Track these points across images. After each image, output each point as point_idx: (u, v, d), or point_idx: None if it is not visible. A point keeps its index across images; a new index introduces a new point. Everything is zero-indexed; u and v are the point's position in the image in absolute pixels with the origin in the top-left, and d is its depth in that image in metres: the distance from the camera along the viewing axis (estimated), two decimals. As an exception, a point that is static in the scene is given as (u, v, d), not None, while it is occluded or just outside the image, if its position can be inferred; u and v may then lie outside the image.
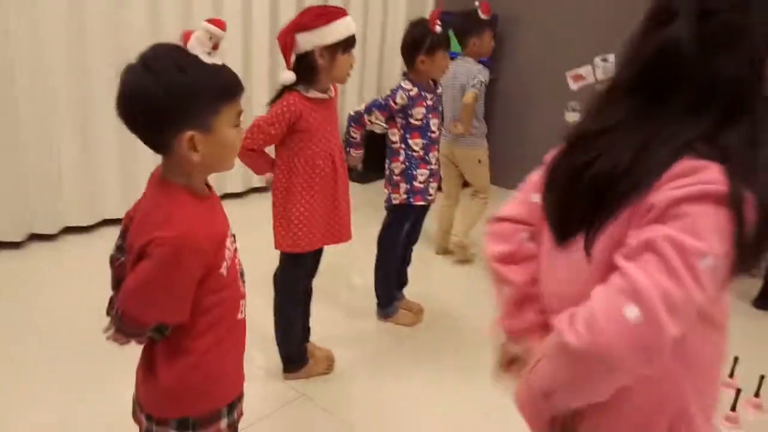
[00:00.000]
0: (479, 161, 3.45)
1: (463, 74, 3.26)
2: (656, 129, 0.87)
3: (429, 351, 2.70)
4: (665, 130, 0.86)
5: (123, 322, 1.17)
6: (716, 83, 0.85)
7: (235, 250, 1.29)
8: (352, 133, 2.64)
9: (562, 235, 0.96)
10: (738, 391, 2.31)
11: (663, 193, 0.81)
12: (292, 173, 2.13)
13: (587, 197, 0.90)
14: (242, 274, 1.33)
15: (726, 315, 0.96)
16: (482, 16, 3.27)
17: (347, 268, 3.13)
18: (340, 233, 2.29)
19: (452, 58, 2.86)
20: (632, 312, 0.76)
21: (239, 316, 1.31)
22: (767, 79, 0.85)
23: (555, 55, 4.47)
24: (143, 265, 1.12)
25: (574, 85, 4.42)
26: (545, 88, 4.47)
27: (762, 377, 2.41)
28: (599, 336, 0.77)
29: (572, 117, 4.45)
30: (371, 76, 4.86)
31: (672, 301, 0.76)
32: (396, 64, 4.83)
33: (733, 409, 2.29)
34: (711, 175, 0.80)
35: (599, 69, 4.28)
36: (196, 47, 1.10)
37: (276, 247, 2.24)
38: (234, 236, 1.30)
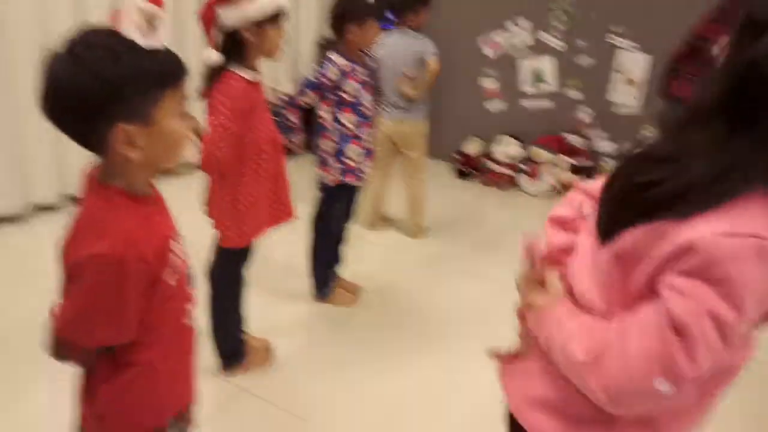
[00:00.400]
0: (423, 135, 3.44)
1: (409, 47, 3.22)
2: (731, 161, 0.80)
3: (370, 332, 2.65)
4: (741, 161, 0.80)
5: (61, 349, 1.03)
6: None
7: (182, 251, 1.16)
8: (291, 118, 2.50)
9: (605, 234, 0.93)
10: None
11: (708, 236, 0.77)
12: (241, 162, 1.96)
13: (638, 210, 0.86)
14: (191, 277, 1.20)
15: (743, 357, 0.94)
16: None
17: (278, 250, 3.00)
18: (284, 213, 2.16)
19: (385, 29, 2.76)
20: (663, 386, 0.80)
21: (186, 321, 1.20)
22: None
23: (470, 22, 4.45)
24: (77, 287, 0.98)
25: (489, 52, 4.45)
26: (460, 56, 4.45)
27: None
28: (622, 393, 0.84)
29: (487, 83, 4.49)
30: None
31: (702, 374, 0.80)
32: (308, 37, 4.66)
33: None
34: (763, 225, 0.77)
35: (511, 33, 4.31)
36: (130, 29, 0.94)
37: (223, 244, 2.08)
38: (179, 237, 1.16)
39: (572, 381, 0.92)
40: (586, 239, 1.01)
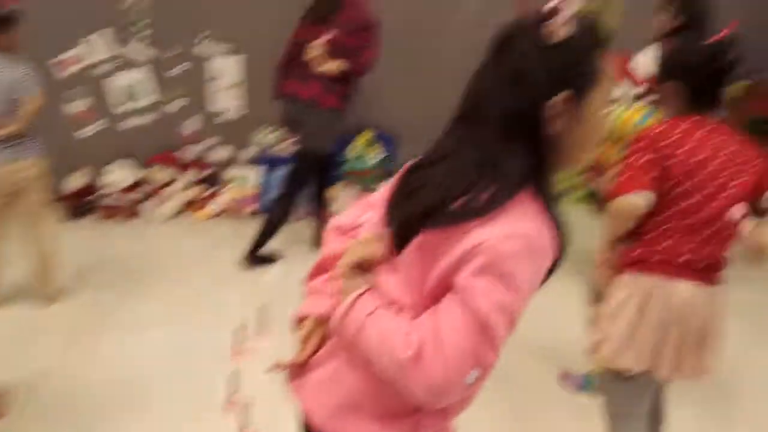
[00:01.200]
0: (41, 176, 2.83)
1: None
2: (506, 169, 0.91)
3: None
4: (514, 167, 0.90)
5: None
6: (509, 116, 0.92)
7: None
8: None
9: (399, 241, 0.97)
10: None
11: (493, 239, 0.87)
12: None
13: (417, 218, 0.93)
14: None
15: None
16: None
17: None
18: None
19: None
20: (473, 377, 0.88)
21: None
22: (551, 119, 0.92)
23: (38, 44, 3.83)
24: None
25: (67, 73, 3.93)
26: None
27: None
28: (442, 389, 0.88)
29: (74, 108, 3.97)
30: None
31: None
32: None
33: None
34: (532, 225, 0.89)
35: (89, 51, 3.89)
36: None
37: None
38: None
39: (383, 376, 0.93)
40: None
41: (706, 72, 1.61)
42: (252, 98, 4.11)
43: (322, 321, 1.10)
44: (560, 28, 0.90)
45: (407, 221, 0.95)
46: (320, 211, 3.66)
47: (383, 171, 4.16)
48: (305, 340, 1.10)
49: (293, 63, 3.24)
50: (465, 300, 0.86)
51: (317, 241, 3.68)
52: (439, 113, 4.60)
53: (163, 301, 3.03)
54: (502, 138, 0.91)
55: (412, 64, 4.05)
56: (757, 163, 1.63)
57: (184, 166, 4.09)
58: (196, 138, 4.17)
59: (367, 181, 4.14)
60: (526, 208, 0.91)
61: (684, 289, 1.64)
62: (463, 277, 0.87)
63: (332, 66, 3.09)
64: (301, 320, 1.15)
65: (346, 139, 4.11)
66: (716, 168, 1.60)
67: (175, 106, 4.09)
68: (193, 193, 4.06)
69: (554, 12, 0.91)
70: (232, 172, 4.11)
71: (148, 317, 2.88)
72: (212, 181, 4.15)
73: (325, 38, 3.09)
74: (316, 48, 3.08)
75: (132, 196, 3.99)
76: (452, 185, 0.91)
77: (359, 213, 1.18)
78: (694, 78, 1.62)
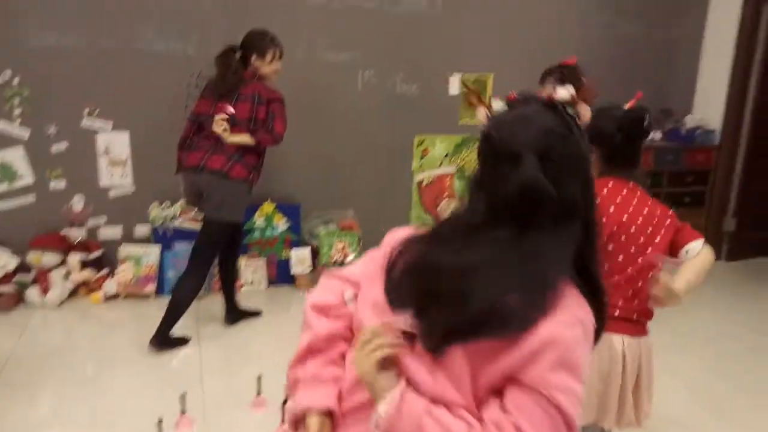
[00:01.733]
0: None
1: None
2: (531, 260, 0.93)
3: None
4: (540, 261, 0.94)
5: None
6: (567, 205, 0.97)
7: None
8: None
9: (435, 347, 0.96)
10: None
11: (560, 330, 0.91)
12: None
13: (468, 326, 0.92)
14: None
15: None
16: None
17: None
18: None
19: None
20: None
21: None
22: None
23: None
24: None
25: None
26: None
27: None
28: None
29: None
30: None
31: None
32: None
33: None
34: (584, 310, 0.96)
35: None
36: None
37: None
38: None
39: None
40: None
41: (622, 137, 1.80)
42: (140, 174, 3.94)
43: (330, 414, 1.07)
44: (582, 113, 1.00)
45: (455, 329, 0.94)
46: (230, 284, 3.55)
47: (289, 239, 4.13)
48: None
49: (197, 136, 3.20)
50: (544, 397, 0.90)
51: (231, 318, 3.55)
52: (338, 181, 4.81)
53: (56, 400, 2.75)
54: (552, 228, 0.96)
55: (310, 134, 4.11)
56: (671, 221, 1.84)
57: (72, 248, 3.79)
58: (83, 217, 3.90)
59: (273, 250, 4.08)
60: (572, 291, 0.97)
61: (619, 341, 1.79)
62: (537, 374, 0.90)
63: (240, 138, 3.09)
64: (302, 415, 1.10)
65: (251, 210, 4.05)
66: (638, 228, 1.78)
67: (58, 184, 3.81)
68: (83, 275, 3.77)
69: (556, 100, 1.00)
70: (125, 251, 3.87)
71: (40, 422, 2.59)
72: (104, 261, 3.88)
73: (229, 111, 3.09)
74: (218, 122, 3.08)
75: (11, 284, 3.62)
76: (501, 288, 0.93)
77: (338, 291, 1.18)
78: (612, 143, 1.81)
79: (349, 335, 1.15)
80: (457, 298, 0.94)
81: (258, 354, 3.25)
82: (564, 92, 0.99)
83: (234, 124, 3.11)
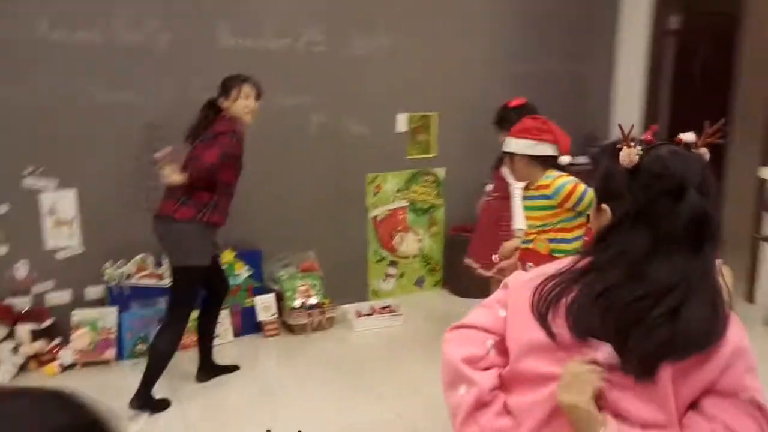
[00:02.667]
0: None
1: None
2: (706, 280, 1.04)
3: None
4: (711, 279, 1.04)
5: None
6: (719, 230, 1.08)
7: None
8: None
9: (644, 372, 1.03)
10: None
11: (740, 340, 1.04)
12: None
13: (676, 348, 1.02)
14: None
15: None
16: None
17: None
18: None
19: None
20: None
21: None
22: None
23: None
24: None
25: None
26: None
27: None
28: None
29: None
30: None
31: None
32: None
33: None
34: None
35: None
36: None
37: None
38: None
39: None
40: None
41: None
42: (89, 232, 3.73)
43: None
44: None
45: (668, 350, 1.02)
46: (207, 340, 3.40)
47: (252, 287, 4.03)
48: None
49: (168, 185, 3.07)
50: (745, 401, 1.00)
51: (205, 375, 3.40)
52: (296, 223, 4.80)
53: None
54: (711, 251, 1.08)
55: (266, 178, 4.07)
56: None
57: (19, 318, 3.49)
58: (28, 283, 3.61)
59: (236, 299, 3.96)
60: None
61: None
62: (734, 381, 1.02)
63: (175, 177, 2.95)
64: None
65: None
66: None
67: (-1, 250, 3.53)
68: (35, 347, 3.47)
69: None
70: (78, 316, 3.62)
71: None
72: (54, 330, 3.60)
73: (165, 150, 3.02)
74: (159, 166, 3.00)
75: (-47, 366, 3.27)
76: (699, 307, 1.03)
77: (479, 341, 1.20)
78: None
79: (500, 384, 1.18)
80: (665, 320, 1.02)
81: (242, 409, 3.14)
82: (690, 135, 1.11)
83: (185, 165, 3.03)
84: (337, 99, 4.28)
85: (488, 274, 3.43)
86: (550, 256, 2.57)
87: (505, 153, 2.76)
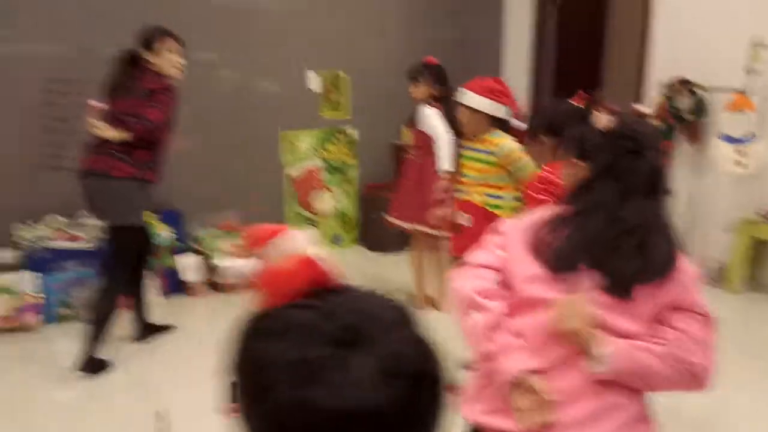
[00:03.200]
0: None
1: None
2: (664, 220, 1.40)
3: None
4: (667, 221, 1.39)
5: None
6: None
7: None
8: None
9: (624, 289, 1.31)
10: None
11: (690, 265, 1.38)
12: None
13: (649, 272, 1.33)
14: None
15: None
16: None
17: None
18: None
19: None
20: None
21: None
22: None
23: None
24: None
25: None
26: None
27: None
28: (712, 367, 1.35)
29: None
30: None
31: None
32: None
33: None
34: None
35: None
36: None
37: None
38: None
39: (662, 384, 1.34)
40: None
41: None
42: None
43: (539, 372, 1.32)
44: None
45: (642, 275, 1.32)
46: (140, 298, 3.38)
47: (173, 248, 4.01)
48: (544, 397, 1.29)
49: (98, 140, 2.98)
50: (696, 317, 1.33)
51: (142, 334, 3.40)
52: (214, 183, 4.84)
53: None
54: (663, 199, 1.39)
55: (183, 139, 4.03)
56: None
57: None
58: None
59: (161, 261, 3.93)
60: None
61: None
62: (690, 300, 1.34)
63: (112, 133, 2.91)
64: (517, 379, 1.31)
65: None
66: None
67: None
68: (-52, 317, 3.27)
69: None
70: (-6, 283, 3.44)
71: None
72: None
73: (95, 106, 2.95)
74: (89, 121, 2.93)
75: None
76: (663, 241, 1.35)
77: (489, 277, 1.44)
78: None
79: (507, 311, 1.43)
80: (637, 251, 1.32)
81: (181, 365, 3.21)
82: (644, 107, 1.47)
83: (118, 121, 2.97)
84: (247, 55, 4.30)
85: (412, 228, 3.70)
86: (485, 210, 2.88)
87: (459, 104, 2.99)
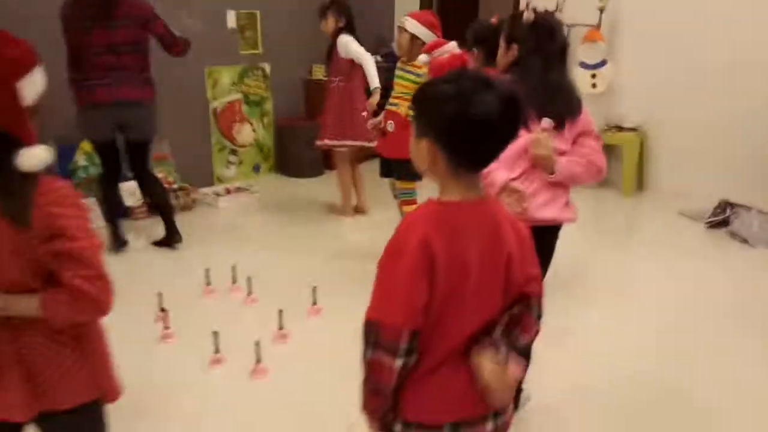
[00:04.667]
0: None
1: None
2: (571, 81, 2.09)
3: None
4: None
5: None
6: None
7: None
8: None
9: (523, 125, 1.89)
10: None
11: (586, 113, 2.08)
12: None
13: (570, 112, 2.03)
14: None
15: None
16: None
17: None
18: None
19: None
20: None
21: None
22: None
23: None
24: None
25: None
26: None
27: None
28: (604, 165, 2.07)
29: None
30: None
31: None
32: None
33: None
34: None
35: None
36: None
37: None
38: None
39: (580, 180, 2.04)
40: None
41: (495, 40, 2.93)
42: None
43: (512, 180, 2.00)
44: None
45: (569, 115, 2.01)
46: (115, 213, 3.75)
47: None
48: (521, 193, 1.95)
49: (93, 70, 3.21)
50: (594, 138, 2.05)
51: (114, 245, 3.71)
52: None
53: None
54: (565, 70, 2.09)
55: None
56: None
57: None
58: None
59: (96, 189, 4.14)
60: None
61: None
62: (591, 126, 2.05)
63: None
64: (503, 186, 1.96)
65: (71, 148, 4.05)
66: None
67: None
68: None
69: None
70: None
71: None
72: None
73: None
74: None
75: None
76: (576, 94, 2.05)
77: (499, 168, 1.99)
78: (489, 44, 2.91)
79: None
80: (563, 98, 2.02)
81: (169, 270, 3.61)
82: (551, 6, 2.01)
83: (116, 52, 3.24)
84: (177, -5, 4.53)
85: (343, 145, 4.26)
86: (407, 119, 3.51)
87: (401, 28, 3.58)
